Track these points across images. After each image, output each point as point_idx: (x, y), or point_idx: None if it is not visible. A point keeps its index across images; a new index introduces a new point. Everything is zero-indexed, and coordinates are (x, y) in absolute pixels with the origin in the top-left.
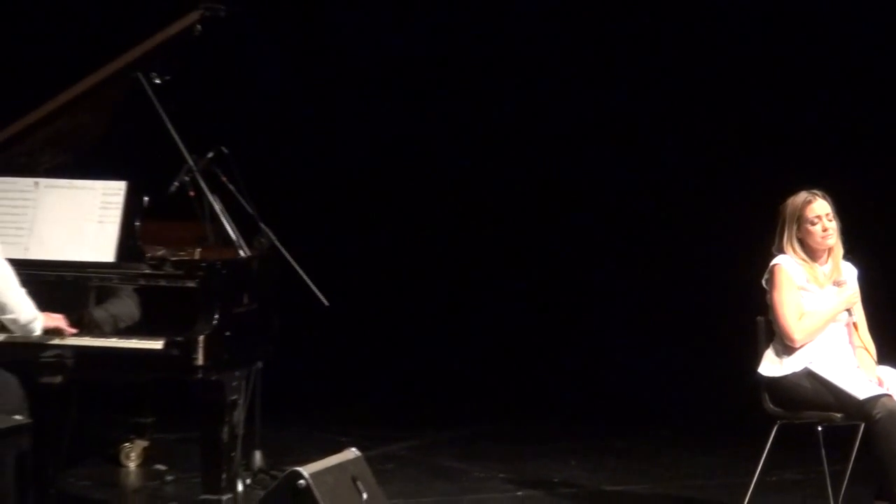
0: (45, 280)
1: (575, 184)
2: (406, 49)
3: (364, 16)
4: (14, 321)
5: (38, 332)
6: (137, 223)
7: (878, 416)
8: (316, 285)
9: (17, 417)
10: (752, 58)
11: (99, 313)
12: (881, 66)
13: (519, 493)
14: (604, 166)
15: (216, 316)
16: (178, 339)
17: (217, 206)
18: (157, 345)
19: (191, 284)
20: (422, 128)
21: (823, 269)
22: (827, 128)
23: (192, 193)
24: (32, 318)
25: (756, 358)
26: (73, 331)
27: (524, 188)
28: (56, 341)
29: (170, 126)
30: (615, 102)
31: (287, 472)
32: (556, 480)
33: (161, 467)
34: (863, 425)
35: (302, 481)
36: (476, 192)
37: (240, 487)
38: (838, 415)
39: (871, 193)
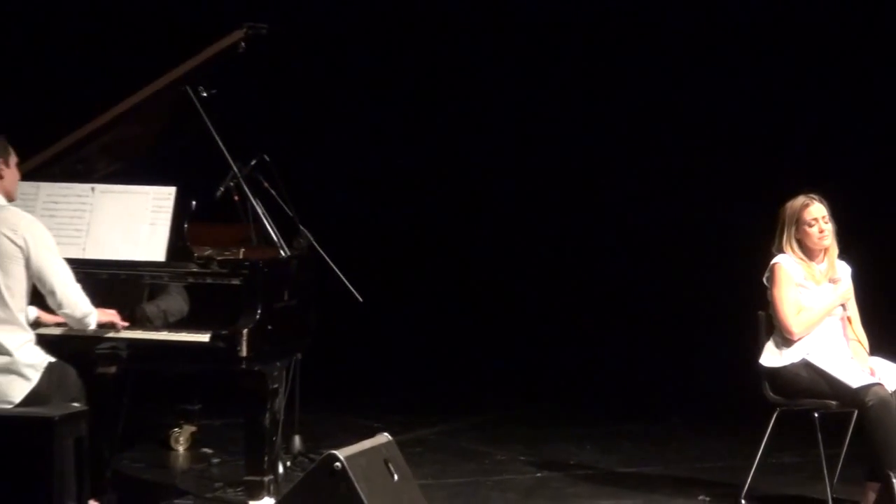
0: (100, 278)
1: (593, 187)
2: (435, 56)
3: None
4: (70, 315)
5: (92, 326)
6: (186, 225)
7: (871, 403)
8: (350, 283)
9: (76, 405)
10: (754, 71)
11: (150, 308)
12: (874, 79)
13: (538, 474)
14: (622, 174)
15: (259, 311)
16: (224, 332)
17: (259, 210)
18: (204, 338)
19: (235, 282)
20: (446, 134)
21: (820, 267)
22: (824, 136)
23: (236, 198)
24: (87, 312)
25: (758, 350)
26: (126, 324)
27: (540, 191)
28: (111, 334)
29: (216, 136)
30: (627, 109)
31: (324, 455)
32: (572, 462)
33: (208, 451)
34: (856, 412)
35: (338, 463)
36: (493, 194)
37: (280, 469)
38: (833, 402)
39: (865, 197)
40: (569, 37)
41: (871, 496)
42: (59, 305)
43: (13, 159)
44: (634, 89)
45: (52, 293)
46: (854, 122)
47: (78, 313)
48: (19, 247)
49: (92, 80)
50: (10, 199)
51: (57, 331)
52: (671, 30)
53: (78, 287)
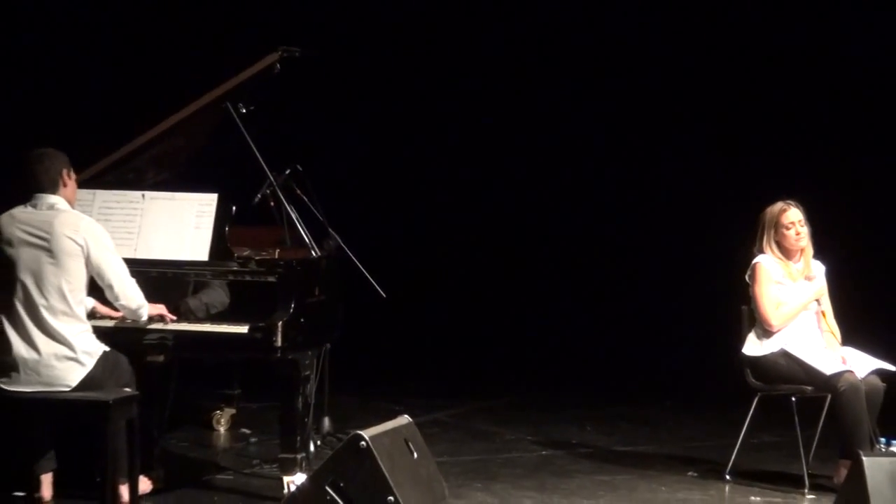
0: (150, 276)
1: (596, 191)
2: (439, 67)
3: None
4: (126, 307)
5: (145, 317)
6: (227, 228)
7: (842, 388)
8: (374, 280)
9: (127, 390)
10: (740, 88)
11: (193, 301)
12: (849, 95)
13: (543, 453)
14: (625, 181)
15: (292, 305)
16: (261, 324)
17: (293, 214)
18: (243, 329)
19: (271, 279)
20: (452, 143)
21: (797, 266)
22: (801, 148)
23: (272, 204)
24: (141, 304)
25: (740, 341)
26: (174, 317)
27: (545, 192)
28: (159, 326)
29: (254, 148)
30: (635, 129)
31: (351, 434)
32: (574, 442)
33: (246, 431)
34: (829, 397)
35: (363, 442)
36: (499, 195)
37: (311, 447)
38: (809, 388)
39: (837, 202)
40: (565, 42)
41: (843, 472)
42: (116, 298)
43: (73, 174)
44: (632, 95)
45: (110, 287)
46: (829, 135)
47: (133, 305)
48: (80, 245)
49: (140, 98)
50: (71, 207)
51: (110, 323)
52: (663, 39)
53: (133, 282)
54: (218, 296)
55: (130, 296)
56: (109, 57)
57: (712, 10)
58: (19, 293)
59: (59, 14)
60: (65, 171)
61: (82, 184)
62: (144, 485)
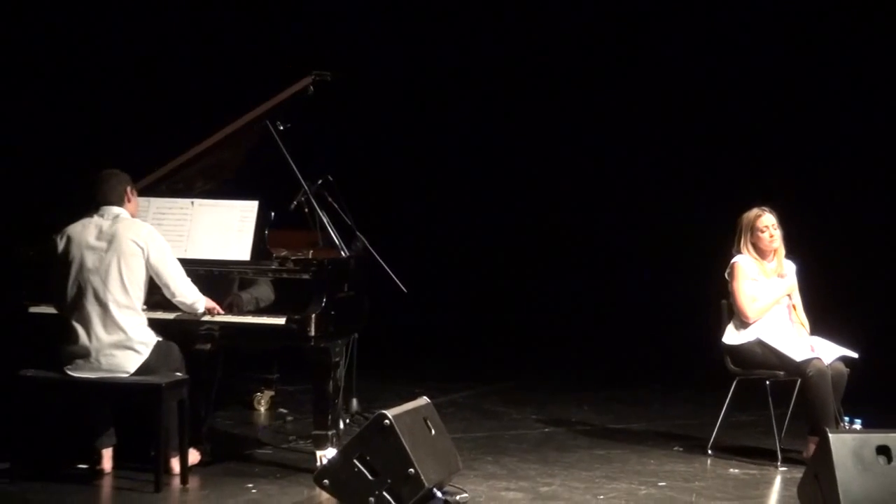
0: (198, 274)
1: (596, 196)
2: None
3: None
4: (182, 302)
5: (200, 310)
6: (266, 231)
7: (811, 373)
8: (397, 277)
9: (178, 374)
10: (724, 102)
11: (245, 296)
12: (820, 107)
13: (546, 430)
14: (623, 188)
15: (324, 300)
16: (296, 317)
17: (325, 219)
18: (281, 321)
19: (305, 277)
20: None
21: (770, 265)
22: (776, 157)
23: (306, 210)
24: (196, 299)
25: (721, 331)
26: (221, 311)
27: (549, 194)
28: (207, 319)
29: (290, 160)
30: (635, 135)
31: (376, 414)
32: (573, 420)
33: (283, 411)
34: (799, 380)
35: (387, 421)
36: (507, 198)
37: (341, 425)
38: (781, 373)
39: (807, 208)
40: (556, 49)
41: (811, 447)
42: (173, 295)
43: (135, 192)
44: (629, 102)
45: (167, 286)
46: (800, 148)
47: (188, 301)
48: (140, 248)
49: (189, 118)
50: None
51: (165, 316)
52: (651, 47)
53: (189, 280)
54: (266, 291)
55: (184, 293)
56: (160, 82)
57: (698, 20)
58: (88, 290)
59: (115, 51)
60: (128, 189)
61: (139, 192)
62: (193, 458)
